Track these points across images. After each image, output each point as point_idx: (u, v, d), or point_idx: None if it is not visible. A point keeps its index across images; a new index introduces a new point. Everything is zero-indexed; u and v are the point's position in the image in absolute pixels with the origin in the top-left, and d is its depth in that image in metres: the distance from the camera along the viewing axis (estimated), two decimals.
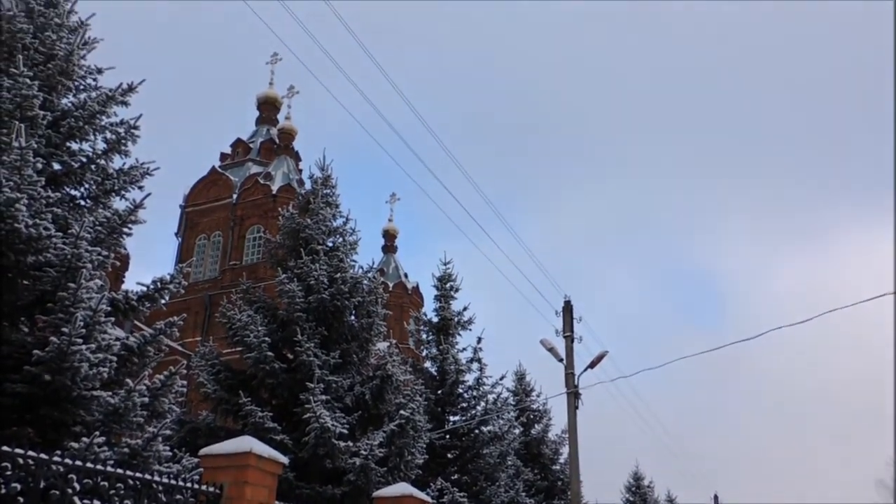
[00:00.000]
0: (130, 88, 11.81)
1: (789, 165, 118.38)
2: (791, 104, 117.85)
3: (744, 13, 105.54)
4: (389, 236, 52.72)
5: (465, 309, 22.02)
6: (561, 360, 18.46)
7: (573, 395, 18.12)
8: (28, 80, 10.30)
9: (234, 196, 38.48)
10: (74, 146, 11.38)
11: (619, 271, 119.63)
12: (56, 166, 11.16)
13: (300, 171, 40.13)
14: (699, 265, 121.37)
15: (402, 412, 14.80)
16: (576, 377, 18.24)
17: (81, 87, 11.96)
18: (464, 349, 21.78)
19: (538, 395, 27.26)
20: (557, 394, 19.15)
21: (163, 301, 10.92)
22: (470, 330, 22.03)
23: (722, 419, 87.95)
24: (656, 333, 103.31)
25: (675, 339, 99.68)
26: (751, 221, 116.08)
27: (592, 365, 18.51)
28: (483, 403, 21.43)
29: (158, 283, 10.79)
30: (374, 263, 17.35)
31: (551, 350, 18.48)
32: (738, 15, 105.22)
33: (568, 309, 19.07)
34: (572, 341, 18.67)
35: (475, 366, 21.68)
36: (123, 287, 15.23)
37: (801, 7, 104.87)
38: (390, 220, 53.13)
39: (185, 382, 10.49)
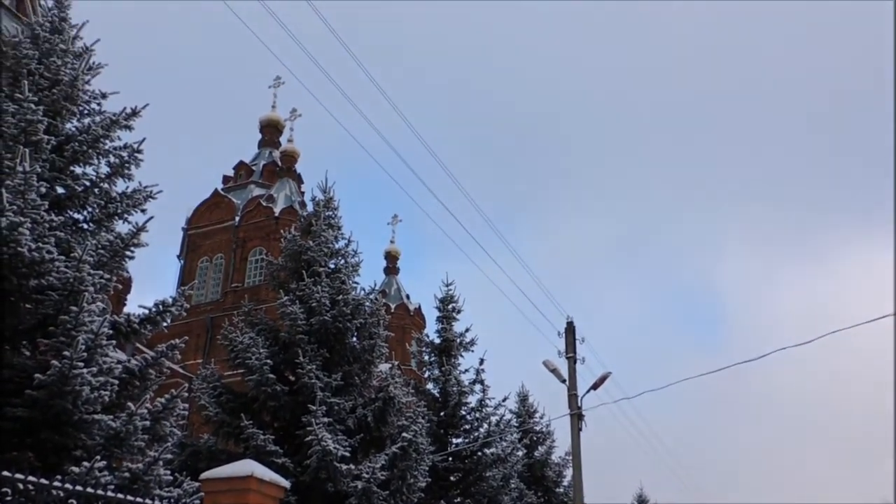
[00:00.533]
0: (134, 113, 11.92)
1: (789, 181, 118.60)
2: (790, 119, 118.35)
3: (744, 25, 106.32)
4: (391, 258, 52.73)
5: (467, 330, 22.00)
6: (564, 382, 18.39)
7: (576, 417, 18.02)
8: (33, 105, 10.42)
9: (237, 218, 38.56)
10: (78, 170, 11.47)
11: (620, 288, 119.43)
12: (59, 190, 11.24)
13: (302, 193, 40.25)
14: (699, 281, 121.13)
15: (404, 434, 14.73)
16: (579, 398, 18.16)
17: (86, 111, 12.07)
18: (466, 370, 21.73)
19: (541, 417, 27.13)
20: (561, 415, 19.06)
21: (164, 324, 10.94)
22: (472, 351, 22.00)
23: (724, 437, 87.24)
24: (658, 350, 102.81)
25: (677, 357, 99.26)
26: (750, 237, 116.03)
27: (595, 386, 18.43)
28: (486, 425, 21.33)
29: (160, 306, 10.81)
30: (375, 285, 17.35)
31: (554, 371, 18.41)
32: (738, 28, 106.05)
33: (570, 330, 19.02)
34: (575, 362, 18.61)
35: (478, 387, 21.62)
36: (125, 310, 15.25)
37: (802, 15, 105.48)
38: (392, 242, 53.18)
39: (186, 405, 10.48)
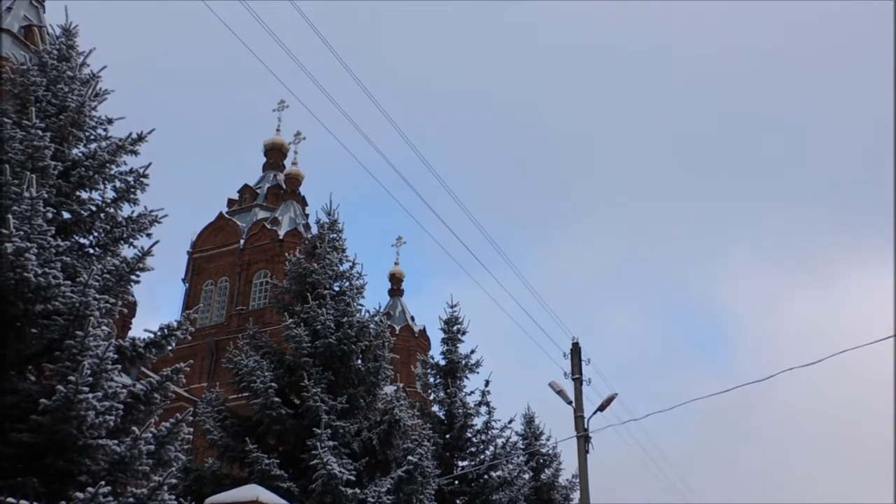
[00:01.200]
0: (140, 138, 12.02)
1: (791, 199, 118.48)
2: (793, 138, 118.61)
3: (743, 42, 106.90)
4: (395, 280, 52.71)
5: (472, 352, 21.93)
6: (570, 403, 18.28)
7: (583, 439, 17.89)
8: (40, 132, 10.52)
9: (242, 241, 38.66)
10: (84, 195, 11.56)
11: (624, 309, 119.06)
12: (66, 215, 11.31)
13: (307, 215, 40.39)
14: (704, 301, 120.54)
15: (409, 458, 14.65)
16: (585, 420, 18.03)
17: (92, 137, 12.19)
18: (471, 392, 21.65)
19: (548, 439, 26.88)
20: (567, 437, 18.91)
21: (169, 348, 10.94)
22: (477, 373, 21.92)
23: (732, 457, 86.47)
24: (664, 371, 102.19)
25: (684, 377, 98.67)
26: (754, 256, 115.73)
27: (602, 408, 18.31)
28: (492, 448, 21.20)
29: (165, 330, 10.82)
30: (380, 307, 17.39)
31: (560, 393, 18.32)
32: (738, 42, 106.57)
33: (576, 351, 18.95)
34: (581, 384, 18.51)
35: (483, 409, 21.51)
36: (130, 334, 15.24)
37: (806, 24, 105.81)
38: (396, 264, 53.16)
39: (191, 430, 10.44)
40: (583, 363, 18.80)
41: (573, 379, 18.64)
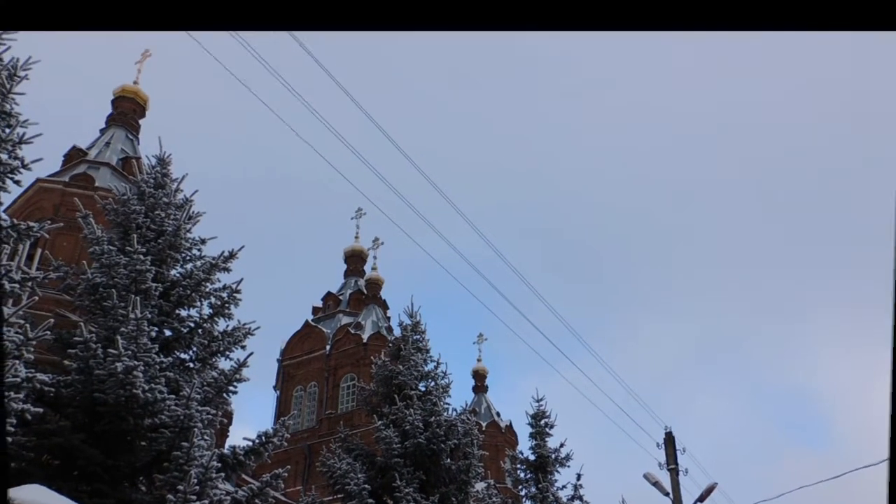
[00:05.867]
0: (231, 255, 12.86)
1: (878, 268, 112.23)
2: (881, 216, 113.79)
3: (834, 105, 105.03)
4: (479, 376, 52.36)
5: (561, 445, 21.40)
6: (667, 495, 17.54)
7: None
8: (141, 256, 11.45)
9: (328, 347, 39.58)
10: (183, 313, 12.35)
11: (711, 392, 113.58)
12: (167, 332, 12.10)
13: (388, 318, 41.16)
14: (796, 384, 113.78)
15: None
16: None
17: (188, 257, 13.12)
18: (563, 487, 20.99)
19: None
20: None
21: (267, 454, 11.31)
22: (568, 466, 21.31)
23: None
24: (763, 457, 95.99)
25: (782, 461, 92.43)
26: (842, 329, 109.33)
27: (702, 499, 17.47)
28: None
29: (263, 438, 11.23)
30: (466, 405, 17.40)
31: (656, 484, 17.62)
32: (829, 106, 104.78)
33: (670, 440, 18.33)
34: (678, 474, 17.79)
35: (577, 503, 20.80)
36: (229, 442, 15.78)
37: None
38: (479, 361, 52.99)
39: None
40: (678, 452, 18.14)
41: (669, 469, 17.96)
